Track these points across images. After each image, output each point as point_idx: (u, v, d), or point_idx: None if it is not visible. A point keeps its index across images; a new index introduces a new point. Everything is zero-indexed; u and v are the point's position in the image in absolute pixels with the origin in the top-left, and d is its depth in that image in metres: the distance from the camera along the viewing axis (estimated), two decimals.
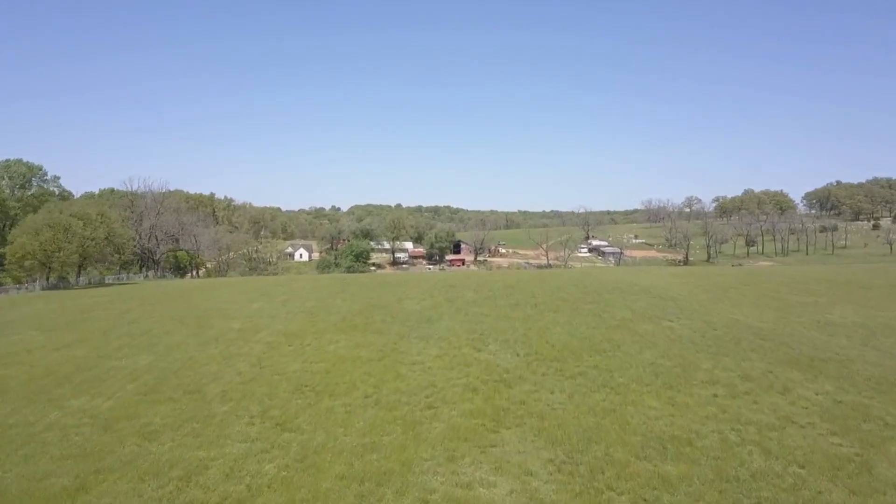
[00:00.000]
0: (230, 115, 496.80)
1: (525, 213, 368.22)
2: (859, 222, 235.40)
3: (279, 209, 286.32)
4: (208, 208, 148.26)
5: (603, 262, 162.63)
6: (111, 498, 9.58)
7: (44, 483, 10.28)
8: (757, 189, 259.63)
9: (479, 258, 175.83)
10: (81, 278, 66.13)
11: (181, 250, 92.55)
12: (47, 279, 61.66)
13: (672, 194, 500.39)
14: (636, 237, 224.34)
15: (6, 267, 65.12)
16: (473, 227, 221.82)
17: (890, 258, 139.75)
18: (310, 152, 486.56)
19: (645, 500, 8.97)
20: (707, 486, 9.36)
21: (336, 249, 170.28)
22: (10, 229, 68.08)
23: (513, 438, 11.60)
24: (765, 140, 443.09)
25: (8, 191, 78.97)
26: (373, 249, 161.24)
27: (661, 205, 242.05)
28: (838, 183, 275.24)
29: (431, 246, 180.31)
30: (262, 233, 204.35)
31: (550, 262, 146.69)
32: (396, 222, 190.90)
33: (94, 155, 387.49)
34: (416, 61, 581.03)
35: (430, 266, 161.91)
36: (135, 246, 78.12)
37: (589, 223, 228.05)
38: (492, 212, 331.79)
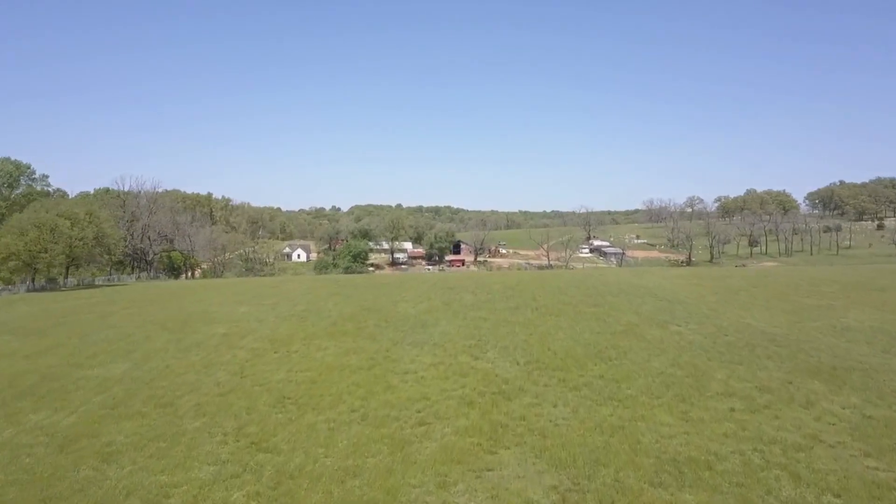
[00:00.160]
0: (230, 115, 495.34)
1: (526, 213, 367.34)
2: (863, 222, 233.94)
3: (279, 209, 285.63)
4: (205, 208, 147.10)
5: (605, 262, 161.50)
6: None
7: None
8: (759, 189, 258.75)
9: (479, 259, 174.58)
10: (70, 280, 64.80)
11: (175, 251, 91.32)
12: (32, 281, 60.34)
13: (673, 194, 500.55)
14: (638, 237, 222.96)
15: None
16: (474, 227, 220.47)
17: None
18: (310, 152, 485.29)
19: None
20: None
21: (334, 250, 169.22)
22: None
23: (511, 460, 10.45)
24: (766, 140, 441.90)
25: None
26: (371, 250, 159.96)
27: (663, 205, 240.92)
28: (841, 183, 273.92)
29: (431, 246, 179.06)
30: (259, 233, 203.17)
31: (551, 262, 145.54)
32: (395, 222, 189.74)
33: (94, 155, 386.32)
34: (416, 61, 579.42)
35: (430, 267, 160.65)
36: (125, 246, 76.62)
37: (590, 223, 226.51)
38: (492, 212, 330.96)
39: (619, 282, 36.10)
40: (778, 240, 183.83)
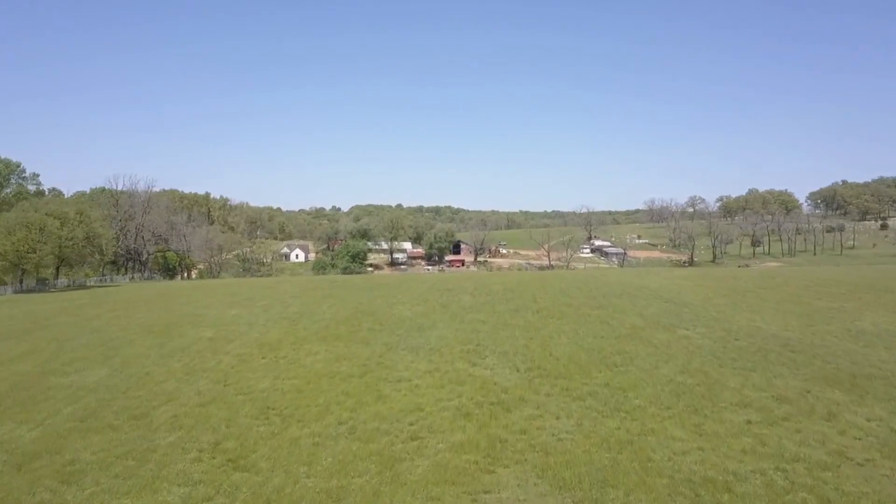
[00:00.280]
0: (230, 115, 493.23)
1: (526, 213, 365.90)
2: (866, 222, 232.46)
3: (279, 209, 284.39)
4: (203, 208, 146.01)
5: (606, 262, 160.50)
6: None
7: None
8: (761, 189, 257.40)
9: (479, 259, 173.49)
10: (62, 280, 63.63)
11: (170, 251, 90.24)
12: (21, 281, 59.24)
13: (674, 194, 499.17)
14: (639, 237, 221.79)
15: None
16: (474, 227, 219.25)
17: None
18: (310, 152, 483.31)
19: None
20: None
21: (332, 250, 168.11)
22: None
23: (511, 481, 9.51)
24: (767, 140, 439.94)
25: None
26: (370, 250, 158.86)
27: (664, 205, 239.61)
28: (844, 182, 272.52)
29: (430, 246, 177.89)
30: (257, 233, 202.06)
31: (552, 262, 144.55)
32: (394, 222, 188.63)
33: (94, 155, 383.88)
34: (416, 61, 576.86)
35: (429, 267, 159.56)
36: (118, 246, 75.41)
37: (591, 223, 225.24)
38: (493, 212, 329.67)
39: (621, 283, 35.13)
40: (781, 240, 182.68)
